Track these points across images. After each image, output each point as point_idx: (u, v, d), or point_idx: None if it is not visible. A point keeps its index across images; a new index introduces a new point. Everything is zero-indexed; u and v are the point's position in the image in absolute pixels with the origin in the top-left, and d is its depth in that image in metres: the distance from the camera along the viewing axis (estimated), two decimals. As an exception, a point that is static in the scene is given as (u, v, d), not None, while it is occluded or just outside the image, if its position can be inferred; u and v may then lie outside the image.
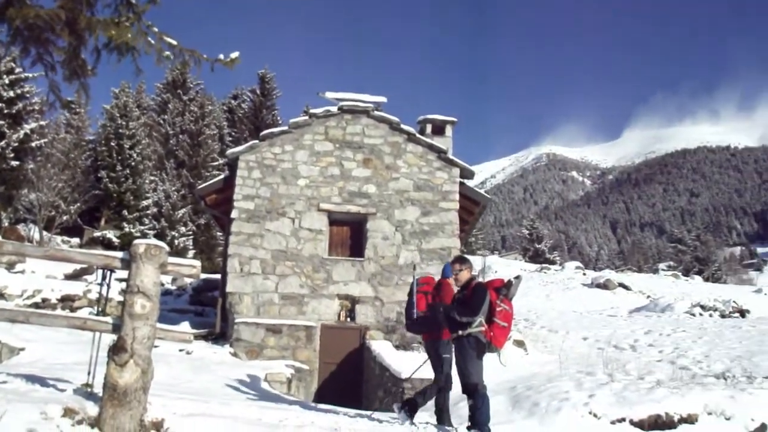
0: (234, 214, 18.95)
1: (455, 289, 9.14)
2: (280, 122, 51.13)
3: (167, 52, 8.74)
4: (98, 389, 5.46)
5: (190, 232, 41.60)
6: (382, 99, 20.56)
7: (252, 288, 18.44)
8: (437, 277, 9.63)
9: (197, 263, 5.70)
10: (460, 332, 8.46)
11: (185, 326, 20.04)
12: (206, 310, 25.40)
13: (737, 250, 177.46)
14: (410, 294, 9.53)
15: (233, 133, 54.35)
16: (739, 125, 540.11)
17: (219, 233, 38.11)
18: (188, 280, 28.42)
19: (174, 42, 8.91)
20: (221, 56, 9.12)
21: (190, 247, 40.64)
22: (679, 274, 68.11)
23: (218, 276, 25.46)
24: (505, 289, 8.85)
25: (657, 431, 10.44)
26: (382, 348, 17.02)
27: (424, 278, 9.75)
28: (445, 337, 9.04)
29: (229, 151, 20.24)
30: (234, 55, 9.18)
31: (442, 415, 9.07)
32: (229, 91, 61.71)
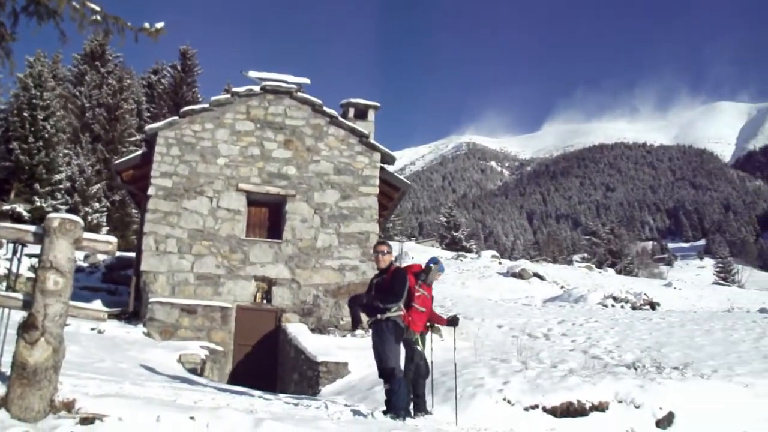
0: (151, 191, 18.58)
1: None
2: (200, 100, 50.39)
3: (92, 17, 8.44)
4: (6, 368, 5.28)
5: (104, 209, 40.78)
6: (306, 80, 20.41)
7: (167, 267, 18.15)
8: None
9: (113, 240, 5.55)
10: (379, 316, 8.47)
11: (97, 305, 19.63)
12: (119, 289, 24.93)
13: (649, 244, 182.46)
14: None
15: (152, 109, 53.33)
16: (655, 124, 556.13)
17: (134, 210, 37.52)
18: (101, 258, 27.84)
19: (97, 8, 8.61)
20: (146, 25, 8.87)
21: (104, 224, 39.84)
22: (593, 266, 69.45)
23: (132, 254, 24.98)
24: (423, 274, 8.92)
25: (569, 418, 10.62)
26: (298, 331, 16.97)
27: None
28: (417, 329, 9.29)
29: (148, 127, 19.86)
30: (159, 25, 8.93)
31: (419, 402, 9.26)
32: (149, 66, 60.72)
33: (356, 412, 8.39)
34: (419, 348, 9.42)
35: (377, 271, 9.03)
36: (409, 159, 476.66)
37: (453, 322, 9.96)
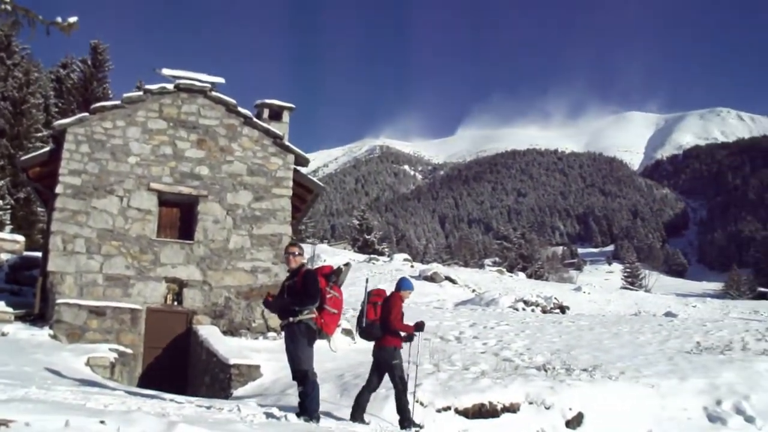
0: (59, 189, 18.09)
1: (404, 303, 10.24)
2: (111, 96, 49.28)
3: (1, 8, 8.12)
4: None
5: (8, 206, 39.57)
6: (220, 80, 20.16)
7: (75, 268, 17.69)
8: (388, 291, 10.53)
9: (21, 238, 5.41)
10: (291, 319, 8.48)
11: (2, 306, 19.06)
12: (23, 290, 24.20)
13: (559, 249, 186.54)
14: (362, 304, 10.15)
15: (60, 104, 51.89)
16: (567, 131, 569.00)
17: (41, 209, 36.45)
18: (4, 257, 27.05)
19: (7, -1, 8.29)
20: (58, 19, 8.57)
21: (8, 222, 38.66)
22: (504, 270, 70.55)
23: (38, 254, 24.27)
24: (334, 276, 8.98)
25: (481, 419, 10.77)
26: (209, 333, 16.80)
27: (375, 290, 10.42)
28: (391, 344, 9.82)
29: (57, 123, 19.33)
30: (72, 19, 8.64)
31: (357, 413, 9.73)
32: (58, 59, 58.98)
33: (269, 415, 8.34)
34: (396, 362, 9.90)
35: (288, 273, 9.06)
36: (323, 161, 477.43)
37: (419, 327, 10.27)
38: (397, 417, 9.94)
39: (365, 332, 10.20)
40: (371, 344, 10.28)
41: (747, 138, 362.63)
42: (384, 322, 9.89)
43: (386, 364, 9.90)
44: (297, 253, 8.94)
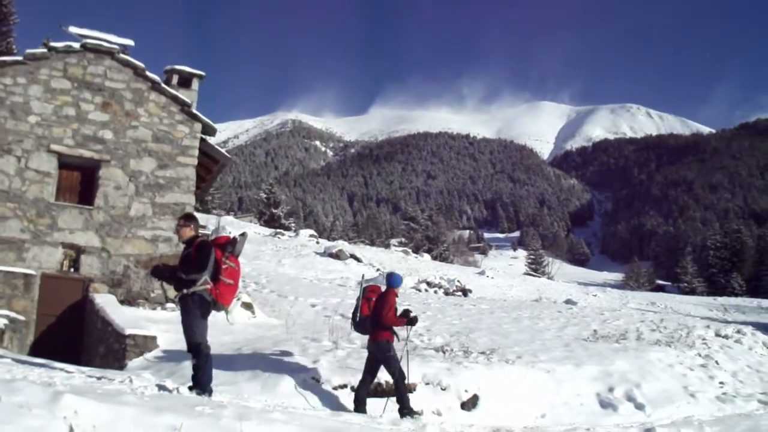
0: (-48, 146, 17.41)
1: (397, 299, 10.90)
2: (15, 52, 47.69)
3: None
4: None
5: None
6: (129, 42, 19.61)
7: (-34, 229, 17.07)
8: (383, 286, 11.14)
9: None
10: (185, 291, 8.31)
11: None
12: None
13: (466, 233, 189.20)
14: (357, 300, 10.96)
15: (-40, 59, 50.00)
16: (480, 117, 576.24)
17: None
18: None
19: None
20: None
21: None
22: (410, 250, 70.88)
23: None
24: (230, 246, 8.83)
25: (377, 398, 10.78)
26: (106, 302, 16.40)
27: (370, 286, 11.21)
28: (383, 338, 10.29)
29: (-47, 77, 18.57)
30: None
31: (359, 407, 10.22)
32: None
33: (161, 387, 8.16)
34: (390, 354, 10.34)
35: (185, 245, 8.86)
36: (233, 132, 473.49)
37: (411, 321, 10.86)
38: (396, 406, 10.29)
39: (360, 327, 10.90)
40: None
41: (654, 135, 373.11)
42: (375, 317, 10.43)
43: (382, 357, 10.34)
44: (182, 224, 8.80)
